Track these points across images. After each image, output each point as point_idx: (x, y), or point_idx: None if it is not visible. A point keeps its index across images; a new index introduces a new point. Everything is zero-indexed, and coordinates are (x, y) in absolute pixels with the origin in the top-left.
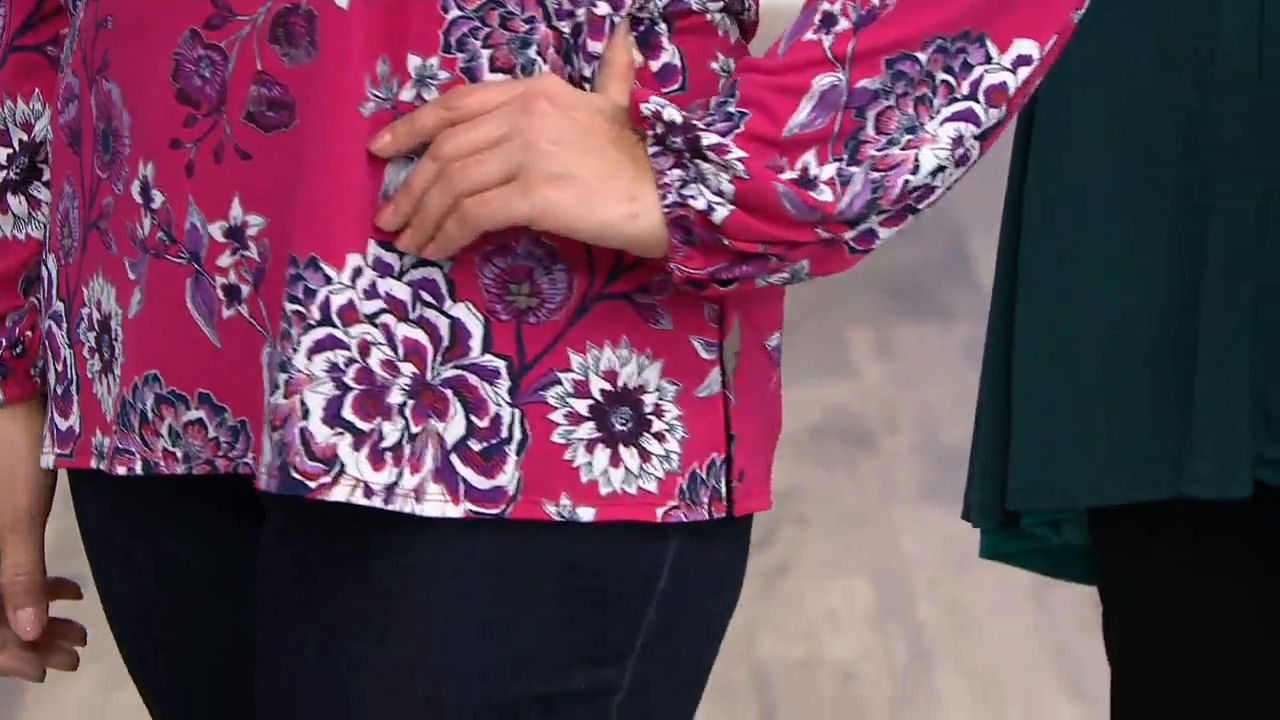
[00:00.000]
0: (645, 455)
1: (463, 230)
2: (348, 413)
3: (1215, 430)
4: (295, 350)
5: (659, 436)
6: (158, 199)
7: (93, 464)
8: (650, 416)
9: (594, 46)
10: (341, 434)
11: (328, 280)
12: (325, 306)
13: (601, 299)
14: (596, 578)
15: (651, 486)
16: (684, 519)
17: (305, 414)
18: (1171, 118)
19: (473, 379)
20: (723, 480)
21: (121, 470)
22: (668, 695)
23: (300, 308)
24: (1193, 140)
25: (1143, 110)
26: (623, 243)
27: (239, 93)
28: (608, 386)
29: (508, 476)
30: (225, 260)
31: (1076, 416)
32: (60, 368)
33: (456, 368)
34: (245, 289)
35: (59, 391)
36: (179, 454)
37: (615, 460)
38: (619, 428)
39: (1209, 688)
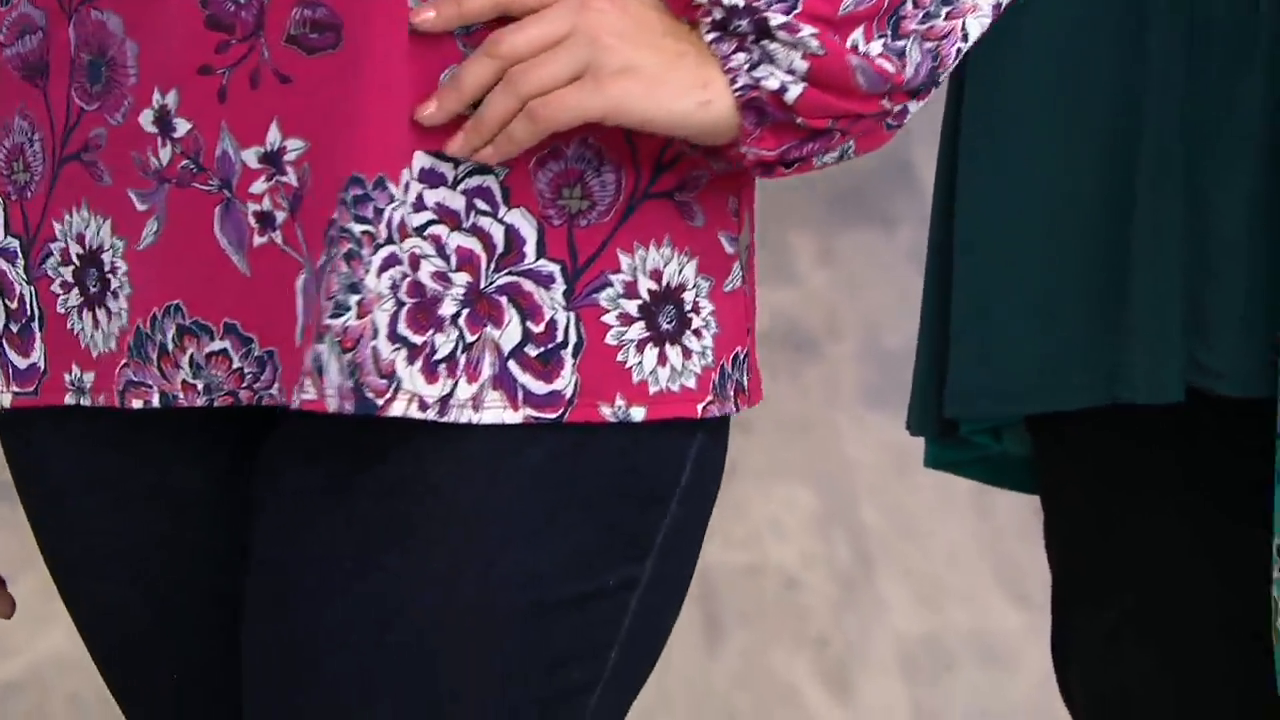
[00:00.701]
0: (687, 352)
1: (533, 132)
2: (402, 328)
3: (1148, 335)
4: (367, 271)
5: (697, 333)
6: (182, 127)
7: (68, 400)
8: (690, 314)
9: None
10: (399, 349)
11: (392, 199)
12: (389, 224)
13: (646, 198)
14: (644, 477)
15: (691, 383)
16: (716, 414)
17: (375, 333)
18: (1106, 30)
19: (528, 285)
20: (745, 373)
21: (137, 404)
22: (671, 588)
23: (370, 228)
24: (1126, 50)
25: (1079, 22)
26: (694, 130)
27: (279, 16)
28: (654, 286)
29: (565, 381)
30: (259, 187)
31: (1012, 325)
32: (14, 305)
33: (511, 274)
34: (280, 215)
35: (13, 329)
36: (199, 386)
37: (662, 359)
38: (665, 326)
39: (1144, 594)
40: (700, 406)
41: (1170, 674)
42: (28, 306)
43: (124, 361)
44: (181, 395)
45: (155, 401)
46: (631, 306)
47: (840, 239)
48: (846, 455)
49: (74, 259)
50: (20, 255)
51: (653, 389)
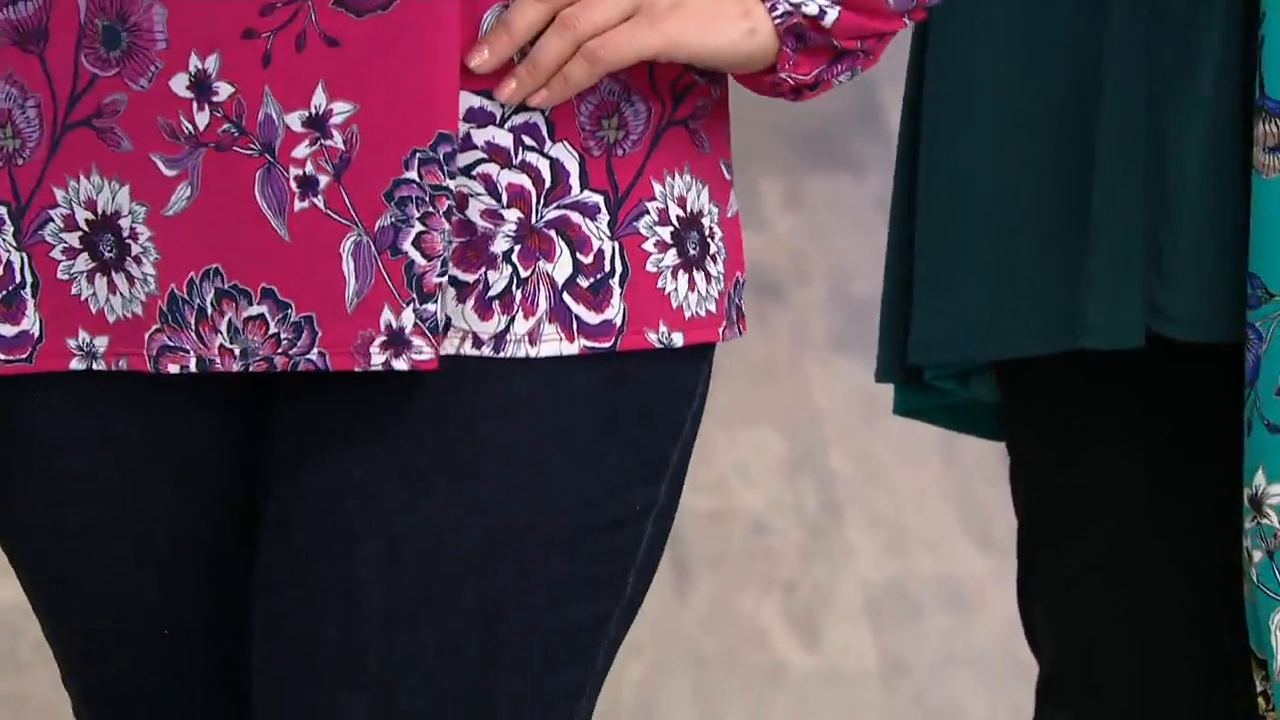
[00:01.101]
0: (709, 278)
1: (591, 73)
2: (450, 267)
3: (1107, 282)
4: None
5: (714, 258)
6: (224, 91)
7: (75, 365)
8: (709, 239)
9: None
10: (445, 288)
11: (454, 150)
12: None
13: (671, 125)
14: (670, 401)
15: (713, 308)
16: (729, 337)
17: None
18: None
19: (575, 217)
20: (743, 297)
21: (174, 368)
22: (671, 513)
23: (451, 181)
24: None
25: None
26: (741, 60)
27: None
28: (681, 213)
29: (615, 310)
30: (302, 151)
31: (974, 272)
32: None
33: (559, 208)
34: (324, 179)
35: None
36: (236, 351)
37: (692, 284)
38: (692, 252)
39: (1107, 539)
40: (720, 330)
41: (1133, 618)
42: (17, 273)
43: (155, 327)
44: (218, 360)
45: (192, 366)
46: (665, 233)
47: (808, 184)
48: (814, 401)
49: (81, 225)
50: (8, 222)
51: (687, 314)
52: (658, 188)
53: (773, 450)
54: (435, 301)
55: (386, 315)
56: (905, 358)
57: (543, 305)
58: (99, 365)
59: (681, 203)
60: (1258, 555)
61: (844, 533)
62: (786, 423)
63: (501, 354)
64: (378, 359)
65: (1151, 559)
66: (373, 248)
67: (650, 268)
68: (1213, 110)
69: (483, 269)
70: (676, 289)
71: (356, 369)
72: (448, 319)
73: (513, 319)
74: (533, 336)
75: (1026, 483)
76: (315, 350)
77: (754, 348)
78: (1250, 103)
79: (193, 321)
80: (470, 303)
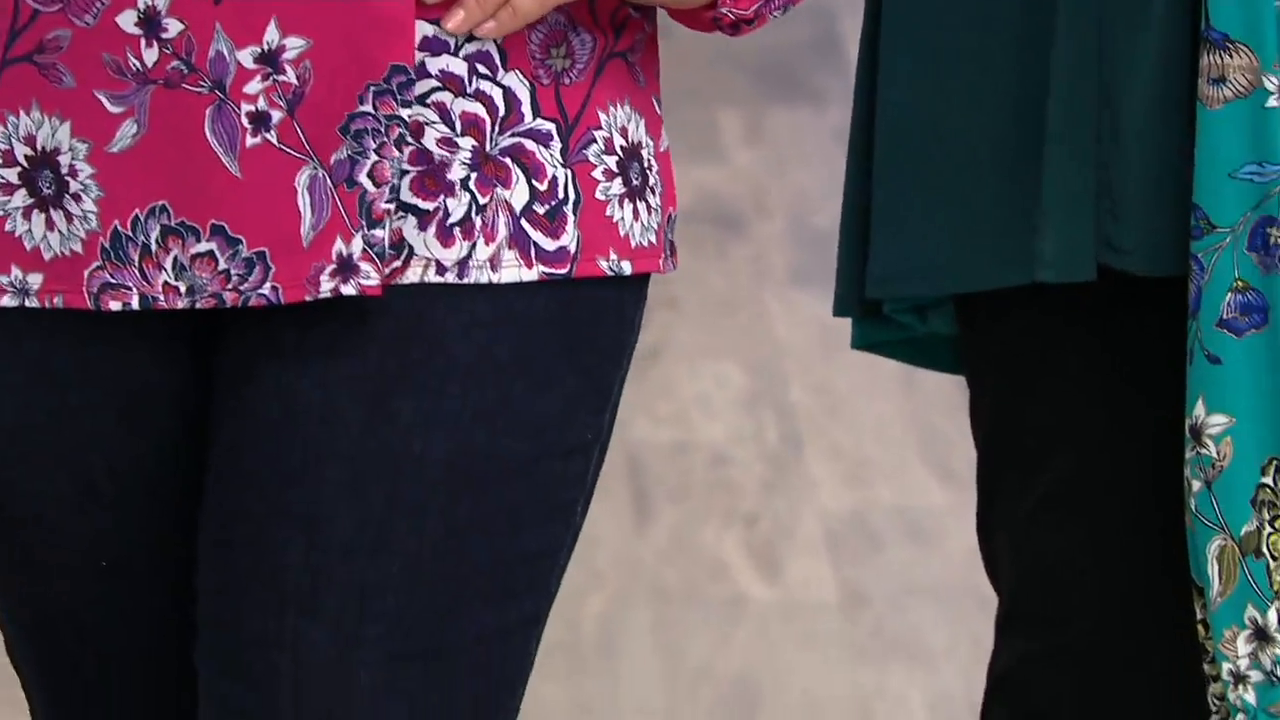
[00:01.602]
0: (650, 209)
1: (542, 4)
2: (406, 195)
3: (1060, 216)
4: (401, 154)
5: (653, 190)
6: (173, 27)
7: (6, 301)
8: (648, 171)
9: None
10: (404, 217)
11: (409, 80)
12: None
13: (612, 57)
14: (615, 332)
15: (654, 239)
16: (665, 270)
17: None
18: None
19: (529, 144)
20: (674, 233)
21: (115, 306)
22: (607, 445)
23: (408, 111)
24: None
25: None
26: None
27: None
28: (624, 143)
29: (569, 236)
30: (254, 87)
31: (931, 207)
32: None
33: (514, 135)
34: (276, 115)
35: None
36: (182, 288)
37: (636, 214)
38: (635, 182)
39: (1065, 471)
40: (661, 261)
41: (1091, 550)
42: None
43: (96, 264)
44: (163, 297)
45: (135, 304)
46: (611, 162)
47: (768, 117)
48: (774, 334)
49: (20, 161)
50: None
51: (633, 243)
52: (603, 117)
53: (733, 383)
54: (383, 227)
55: (338, 244)
56: (863, 292)
57: (502, 232)
58: (32, 303)
59: (624, 133)
60: (1196, 485)
61: (804, 465)
62: (747, 356)
63: (465, 280)
64: (326, 286)
65: (1109, 492)
66: (328, 181)
67: (600, 195)
68: (1162, 43)
69: (441, 196)
70: (623, 218)
71: (306, 299)
72: (410, 247)
73: (474, 245)
74: (494, 262)
75: (986, 416)
76: (268, 285)
77: (714, 281)
78: (1198, 36)
79: (136, 258)
80: (431, 230)
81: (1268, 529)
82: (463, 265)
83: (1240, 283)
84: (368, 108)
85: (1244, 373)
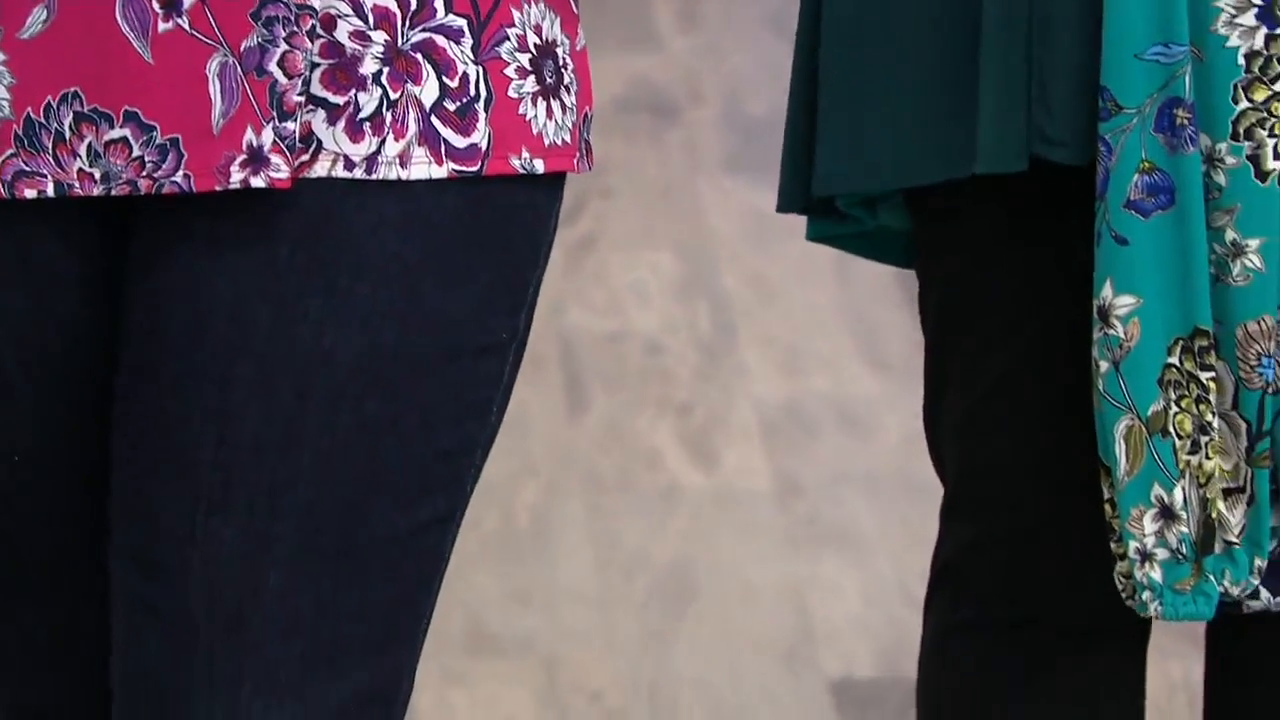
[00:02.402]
0: (564, 108)
1: None
2: (318, 89)
3: (995, 109)
4: (311, 45)
5: (567, 89)
6: None
7: None
8: (562, 70)
9: None
10: (314, 110)
11: None
12: None
13: None
14: (530, 230)
15: (568, 138)
16: (580, 170)
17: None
18: None
19: (440, 40)
20: (590, 132)
21: (30, 193)
22: (524, 345)
23: (320, 1)
24: None
25: None
26: None
27: None
28: (538, 40)
29: (480, 134)
30: None
31: (875, 105)
32: None
33: (425, 30)
34: (188, 1)
35: None
36: (97, 175)
37: (549, 113)
38: (549, 80)
39: (1012, 363)
40: (575, 160)
41: (1030, 441)
42: None
43: (10, 152)
44: (77, 184)
45: (50, 190)
46: (525, 60)
47: (702, 3)
48: (708, 222)
49: None
50: None
51: (546, 142)
52: (516, 14)
53: (667, 271)
54: (294, 120)
55: (249, 135)
56: (809, 189)
57: (412, 128)
58: None
59: (538, 30)
60: (1104, 365)
61: (738, 354)
62: (680, 244)
63: (374, 175)
64: (236, 177)
65: (1047, 384)
66: (239, 68)
67: (512, 93)
68: None
69: (352, 90)
70: (536, 116)
71: (217, 188)
72: (318, 141)
73: (383, 141)
74: (403, 159)
75: (933, 310)
76: (181, 172)
77: (647, 169)
78: None
79: (50, 146)
80: (341, 125)
81: (1174, 409)
82: (371, 161)
83: (1147, 164)
84: None
85: (1151, 253)
